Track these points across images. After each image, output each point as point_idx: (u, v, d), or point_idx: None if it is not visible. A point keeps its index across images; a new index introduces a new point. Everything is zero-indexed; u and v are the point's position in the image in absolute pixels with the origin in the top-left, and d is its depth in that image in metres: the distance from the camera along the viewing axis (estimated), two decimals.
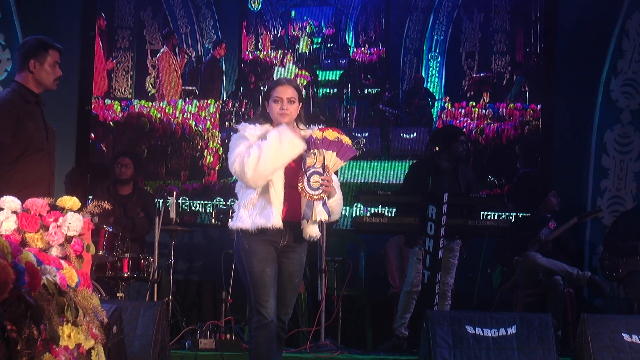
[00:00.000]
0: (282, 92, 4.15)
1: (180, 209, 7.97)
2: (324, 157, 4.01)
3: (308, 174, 4.02)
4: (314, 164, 4.02)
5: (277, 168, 4.04)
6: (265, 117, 4.22)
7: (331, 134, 4.03)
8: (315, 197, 4.03)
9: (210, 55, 8.55)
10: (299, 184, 4.04)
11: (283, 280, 4.21)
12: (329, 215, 4.11)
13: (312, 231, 4.17)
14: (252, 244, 4.12)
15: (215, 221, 7.06)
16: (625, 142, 7.83)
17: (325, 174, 4.03)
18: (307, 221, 4.11)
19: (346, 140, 4.06)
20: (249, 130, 4.15)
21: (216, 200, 8.23)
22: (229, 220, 4.46)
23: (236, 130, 4.20)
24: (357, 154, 4.24)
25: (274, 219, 4.04)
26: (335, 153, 4.03)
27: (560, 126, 8.15)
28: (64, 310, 2.58)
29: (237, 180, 4.23)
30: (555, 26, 8.28)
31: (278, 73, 8.56)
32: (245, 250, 4.13)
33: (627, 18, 7.79)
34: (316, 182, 4.02)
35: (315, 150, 4.03)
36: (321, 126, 4.16)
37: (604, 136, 7.83)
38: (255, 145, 4.05)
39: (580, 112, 7.94)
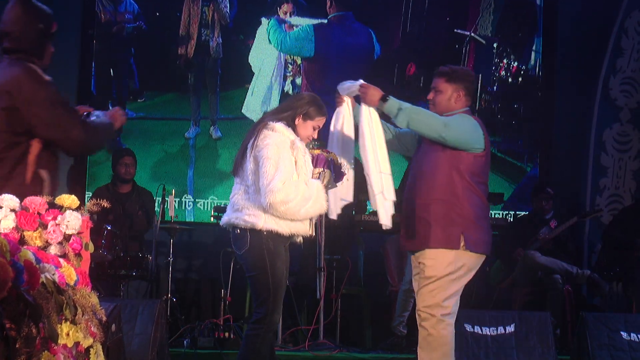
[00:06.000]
0: (322, 123, 4.23)
1: (183, 207, 7.99)
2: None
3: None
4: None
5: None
6: (289, 123, 4.13)
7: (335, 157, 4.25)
8: None
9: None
10: None
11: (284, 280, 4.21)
12: None
13: None
14: (276, 245, 4.07)
15: (214, 219, 7.05)
16: (624, 141, 7.83)
17: None
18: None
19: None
20: (294, 141, 4.07)
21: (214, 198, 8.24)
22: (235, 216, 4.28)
23: (272, 129, 4.07)
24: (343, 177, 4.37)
25: (312, 228, 4.19)
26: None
27: (559, 124, 8.14)
28: (62, 308, 2.58)
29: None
30: (555, 24, 8.27)
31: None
32: (270, 251, 4.05)
33: (626, 17, 7.80)
34: None
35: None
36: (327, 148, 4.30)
37: (602, 135, 7.84)
38: (309, 195, 4.03)
39: (579, 111, 7.94)
